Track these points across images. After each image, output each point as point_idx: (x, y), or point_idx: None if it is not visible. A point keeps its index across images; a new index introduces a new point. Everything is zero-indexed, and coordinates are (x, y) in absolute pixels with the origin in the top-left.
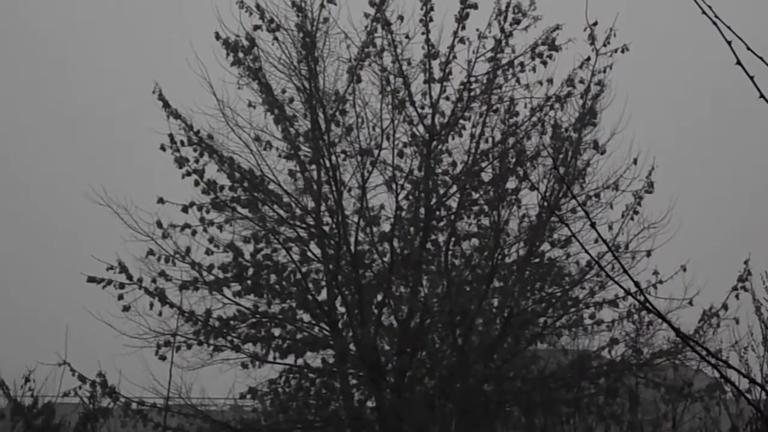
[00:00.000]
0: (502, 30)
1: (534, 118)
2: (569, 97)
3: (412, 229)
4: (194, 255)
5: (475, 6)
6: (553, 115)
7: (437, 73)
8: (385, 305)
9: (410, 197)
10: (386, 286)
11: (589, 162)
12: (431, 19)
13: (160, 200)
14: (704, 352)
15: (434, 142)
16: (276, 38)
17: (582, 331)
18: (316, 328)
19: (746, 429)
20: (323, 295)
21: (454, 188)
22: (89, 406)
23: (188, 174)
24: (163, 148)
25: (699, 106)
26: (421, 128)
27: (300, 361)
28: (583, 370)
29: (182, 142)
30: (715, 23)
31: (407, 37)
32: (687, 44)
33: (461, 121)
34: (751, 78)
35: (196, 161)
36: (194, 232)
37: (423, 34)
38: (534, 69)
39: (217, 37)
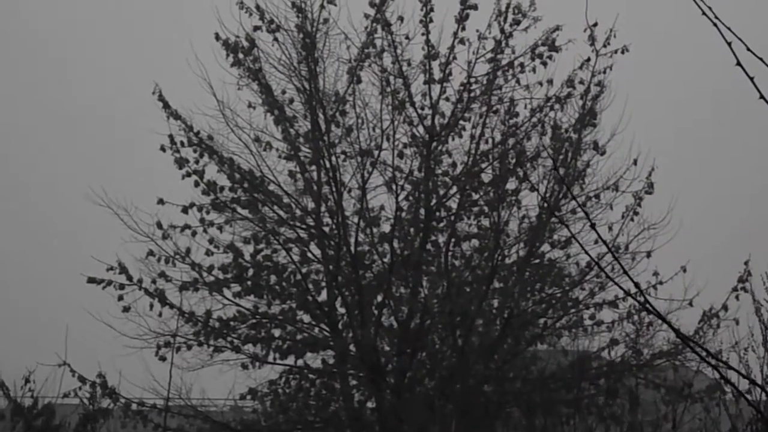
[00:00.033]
0: (502, 31)
1: (534, 119)
2: (569, 98)
3: (412, 229)
4: (194, 256)
5: (475, 7)
6: (553, 116)
7: (437, 74)
8: (385, 306)
9: (410, 198)
10: (386, 286)
11: (589, 163)
12: (431, 20)
13: (160, 201)
14: (704, 353)
15: (434, 143)
16: (276, 39)
17: (582, 331)
18: (316, 329)
19: (746, 430)
20: (323, 296)
21: (454, 189)
22: (89, 406)
23: (188, 175)
24: (163, 148)
25: (699, 107)
26: (421, 129)
27: (300, 362)
28: (583, 370)
29: (182, 143)
30: (715, 24)
31: (407, 37)
32: (687, 45)
33: (461, 121)
34: (751, 79)
35: (196, 162)
36: (194, 233)
37: (423, 34)
38: (534, 70)
39: (217, 37)
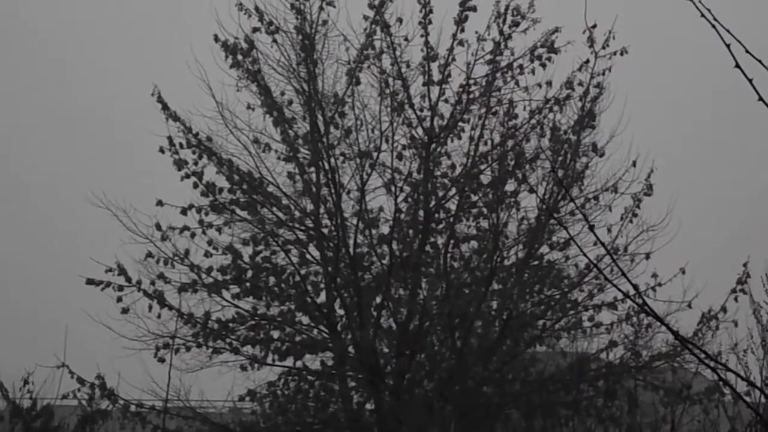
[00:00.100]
0: (501, 32)
1: (533, 121)
2: (568, 100)
3: (411, 231)
4: (193, 257)
5: (474, 8)
6: (552, 118)
7: (436, 76)
8: (384, 307)
9: (409, 199)
10: (385, 288)
11: (588, 164)
12: (430, 22)
13: (159, 202)
14: (703, 355)
15: (433, 145)
16: (275, 40)
17: (581, 333)
18: (315, 331)
19: None
20: (322, 298)
21: (453, 191)
22: (88, 408)
23: (187, 176)
24: (162, 150)
25: (698, 109)
26: (420, 131)
27: (299, 364)
28: (582, 372)
29: (181, 145)
30: (713, 26)
31: (406, 39)
32: (686, 47)
33: (460, 123)
34: (750, 81)
35: (195, 163)
36: (193, 235)
37: (422, 36)
38: (533, 71)
39: (216, 39)
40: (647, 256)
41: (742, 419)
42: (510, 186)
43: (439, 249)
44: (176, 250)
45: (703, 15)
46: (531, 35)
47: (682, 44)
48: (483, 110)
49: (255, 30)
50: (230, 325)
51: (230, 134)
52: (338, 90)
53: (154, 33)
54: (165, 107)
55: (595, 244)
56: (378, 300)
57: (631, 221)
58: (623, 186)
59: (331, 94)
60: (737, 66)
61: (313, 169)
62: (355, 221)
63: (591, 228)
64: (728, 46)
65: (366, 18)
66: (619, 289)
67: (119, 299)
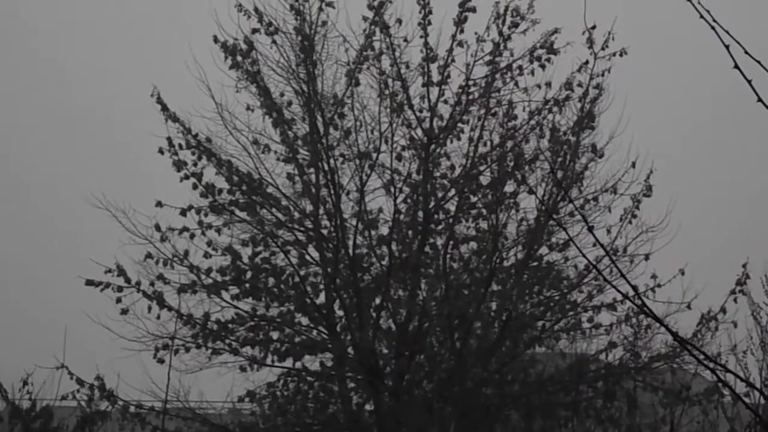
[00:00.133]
0: (500, 33)
1: (532, 122)
2: (567, 101)
3: (410, 232)
4: (192, 258)
5: (473, 9)
6: (552, 119)
7: (436, 77)
8: (383, 308)
9: (408, 200)
10: (384, 289)
11: (588, 165)
12: (429, 23)
13: (159, 203)
14: (702, 356)
15: (433, 146)
16: (274, 41)
17: (580, 334)
18: (315, 332)
19: None
20: (321, 299)
21: (453, 191)
22: (87, 409)
23: (186, 177)
24: (161, 151)
25: (697, 110)
26: (419, 131)
27: (298, 365)
28: (581, 373)
29: (180, 146)
30: (712, 27)
31: (405, 40)
32: (685, 48)
33: (460, 124)
34: (749, 81)
35: (195, 164)
36: (192, 236)
37: (421, 37)
38: (532, 72)
39: (216, 40)
40: (646, 257)
41: (741, 420)
42: (509, 187)
43: (438, 250)
44: (175, 251)
45: (702, 16)
46: (530, 36)
47: (681, 45)
48: (482, 111)
49: (254, 31)
50: (229, 326)
51: (230, 135)
52: (338, 91)
53: (153, 33)
54: (164, 108)
55: (594, 245)
56: (377, 301)
57: (630, 222)
58: (623, 187)
59: (330, 95)
60: (736, 67)
61: (312, 170)
62: (354, 222)
63: (590, 229)
64: (727, 47)
65: (365, 19)
66: (619, 290)
67: (119, 300)
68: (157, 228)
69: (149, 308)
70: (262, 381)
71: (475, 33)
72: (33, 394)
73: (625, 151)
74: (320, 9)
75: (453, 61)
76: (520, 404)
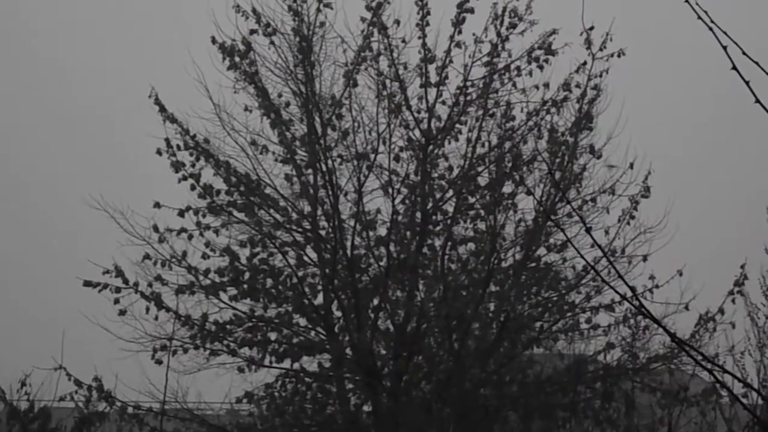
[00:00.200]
0: (498, 34)
1: (530, 123)
2: (565, 102)
3: (408, 233)
4: (190, 259)
5: (471, 10)
6: (550, 120)
7: (434, 78)
8: (381, 309)
9: (406, 201)
10: (382, 290)
11: (586, 166)
12: (428, 24)
13: (157, 204)
14: (700, 357)
15: (430, 147)
16: (272, 42)
17: (578, 335)
18: (313, 333)
19: None
20: (319, 300)
21: (451, 192)
22: (85, 410)
23: (184, 178)
24: (159, 152)
25: (695, 111)
26: (417, 132)
27: (296, 366)
28: (579, 374)
29: (178, 147)
30: (710, 28)
31: (404, 41)
32: (683, 49)
33: (457, 125)
34: (747, 83)
35: (193, 165)
36: (190, 237)
37: (419, 38)
38: (530, 73)
39: (214, 41)
40: (644, 258)
41: (739, 421)
42: (507, 188)
43: (436, 251)
44: (174, 252)
45: (700, 17)
46: (528, 37)
47: (679, 46)
48: (480, 112)
49: (252, 32)
50: (228, 327)
51: (228, 136)
52: (335, 92)
53: (153, 34)
54: (162, 109)
55: (592, 246)
56: (375, 302)
57: (628, 223)
58: (620, 188)
59: (328, 96)
60: (734, 68)
61: (310, 170)
62: (352, 223)
63: (588, 230)
64: (725, 48)
65: (363, 20)
66: (617, 291)
67: (117, 301)
68: (156, 229)
69: (147, 309)
70: (260, 382)
71: (473, 34)
72: (31, 395)
73: (623, 152)
74: (318, 10)
75: (451, 62)
76: (518, 405)
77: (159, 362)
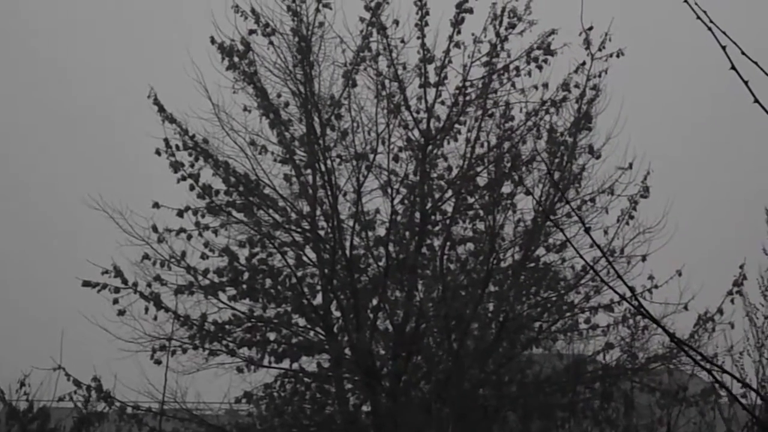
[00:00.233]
0: (497, 34)
1: (529, 123)
2: (564, 102)
3: (407, 233)
4: (189, 259)
5: (470, 11)
6: (549, 120)
7: (433, 78)
8: (380, 310)
9: (405, 201)
10: (381, 290)
11: (585, 166)
12: (426, 24)
13: (156, 204)
14: (699, 357)
15: (429, 147)
16: (271, 42)
17: (577, 335)
18: (312, 333)
19: None
20: (318, 300)
21: (450, 193)
22: (84, 410)
23: (183, 178)
24: (158, 152)
25: (694, 111)
26: (416, 133)
27: (295, 366)
28: (578, 374)
29: (177, 147)
30: (709, 28)
31: (403, 41)
32: (682, 49)
33: (456, 125)
34: (746, 83)
35: (192, 165)
36: (189, 237)
37: (418, 38)
38: (529, 73)
39: (212, 41)
40: (643, 258)
41: (737, 421)
42: (506, 188)
43: (435, 251)
44: (173, 252)
45: (699, 17)
46: (527, 37)
47: (678, 46)
48: (479, 112)
49: (251, 32)
50: (227, 327)
51: (227, 136)
52: (335, 92)
53: (152, 34)
54: (161, 109)
55: (591, 246)
56: (374, 302)
57: (627, 223)
58: (619, 188)
59: (327, 96)
60: (733, 68)
61: (309, 171)
62: (351, 223)
63: (587, 230)
64: (724, 48)
65: (362, 20)
66: (616, 291)
67: (116, 301)
68: (155, 229)
69: (146, 309)
70: (259, 382)
71: (472, 34)
72: (30, 395)
73: (622, 152)
74: (317, 10)
75: (450, 62)
76: (517, 405)
77: (158, 362)
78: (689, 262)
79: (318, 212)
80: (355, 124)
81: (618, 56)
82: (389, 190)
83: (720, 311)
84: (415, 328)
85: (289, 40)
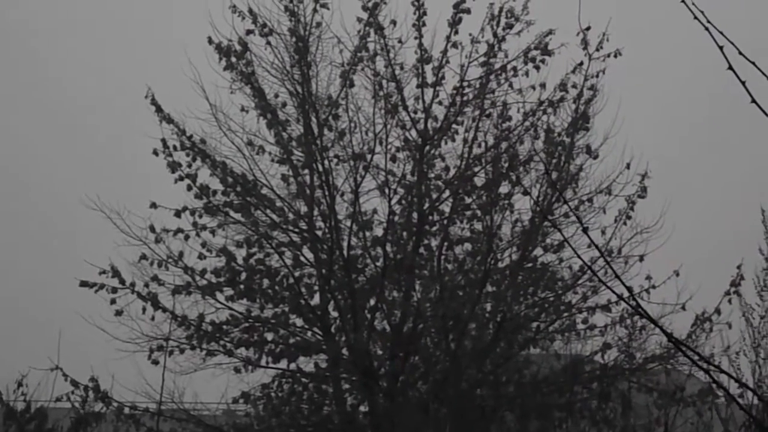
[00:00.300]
0: (494, 35)
1: (527, 123)
2: (562, 102)
3: (404, 233)
4: (187, 259)
5: (468, 11)
6: (546, 120)
7: (430, 78)
8: (377, 310)
9: (403, 202)
10: (379, 290)
11: (582, 167)
12: (424, 24)
13: (153, 205)
14: (696, 357)
15: (427, 147)
16: (269, 43)
17: (575, 335)
18: (309, 333)
19: None
20: (316, 300)
21: (447, 193)
22: (81, 410)
23: (181, 179)
24: (156, 152)
25: (692, 111)
26: (413, 133)
27: (293, 366)
28: (575, 374)
29: (175, 147)
30: (706, 28)
31: (400, 41)
32: (680, 49)
33: (454, 125)
34: (743, 83)
35: (189, 166)
36: (187, 237)
37: (416, 38)
38: (527, 74)
39: (210, 41)
40: (641, 258)
41: (735, 421)
42: (504, 188)
43: (432, 251)
44: (170, 252)
45: (696, 17)
46: (525, 37)
47: (675, 46)
48: (477, 112)
49: (249, 32)
50: (224, 327)
51: (224, 136)
52: (332, 92)
53: (150, 34)
54: (159, 109)
55: (589, 246)
56: (372, 302)
57: (625, 223)
58: (617, 188)
59: (324, 96)
60: (730, 68)
61: (306, 171)
62: (348, 223)
63: (585, 230)
64: (721, 48)
65: (360, 20)
66: (613, 291)
67: (113, 301)
68: (152, 229)
69: (144, 309)
70: (257, 382)
71: (470, 34)
72: (27, 395)
73: (619, 152)
74: (314, 10)
75: (447, 62)
76: (514, 405)
77: (155, 363)
78: (687, 262)
79: (315, 212)
80: (352, 125)
81: (615, 56)
82: (387, 191)
83: (717, 311)
84: (412, 329)
85: (286, 40)
